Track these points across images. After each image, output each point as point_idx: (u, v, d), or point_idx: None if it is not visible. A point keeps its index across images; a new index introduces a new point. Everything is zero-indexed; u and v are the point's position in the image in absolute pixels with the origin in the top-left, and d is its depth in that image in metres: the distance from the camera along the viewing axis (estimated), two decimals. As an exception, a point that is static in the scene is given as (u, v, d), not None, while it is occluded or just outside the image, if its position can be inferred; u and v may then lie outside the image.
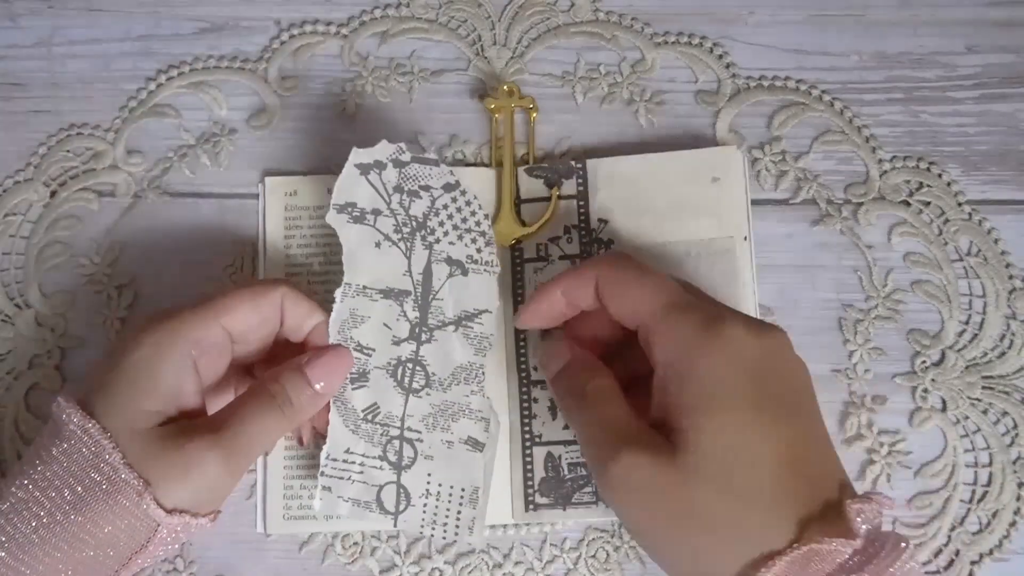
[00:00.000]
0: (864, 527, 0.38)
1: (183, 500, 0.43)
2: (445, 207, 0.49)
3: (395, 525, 0.50)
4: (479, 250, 0.50)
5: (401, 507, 0.50)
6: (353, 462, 0.50)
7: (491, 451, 0.50)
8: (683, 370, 0.40)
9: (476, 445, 0.50)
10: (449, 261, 0.50)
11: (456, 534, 0.50)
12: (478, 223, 0.50)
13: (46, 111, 0.57)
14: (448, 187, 0.49)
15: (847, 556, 0.37)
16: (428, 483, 0.50)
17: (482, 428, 0.50)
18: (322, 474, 0.50)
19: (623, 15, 0.57)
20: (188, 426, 0.44)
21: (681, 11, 0.57)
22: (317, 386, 0.46)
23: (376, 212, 0.50)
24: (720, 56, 0.56)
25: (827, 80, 0.56)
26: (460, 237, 0.50)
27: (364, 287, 0.50)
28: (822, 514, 0.38)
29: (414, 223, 0.50)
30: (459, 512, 0.50)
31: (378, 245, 0.50)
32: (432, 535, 0.51)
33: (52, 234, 0.55)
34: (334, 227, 0.50)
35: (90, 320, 0.54)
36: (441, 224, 0.50)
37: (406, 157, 0.49)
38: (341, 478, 0.50)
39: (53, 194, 0.56)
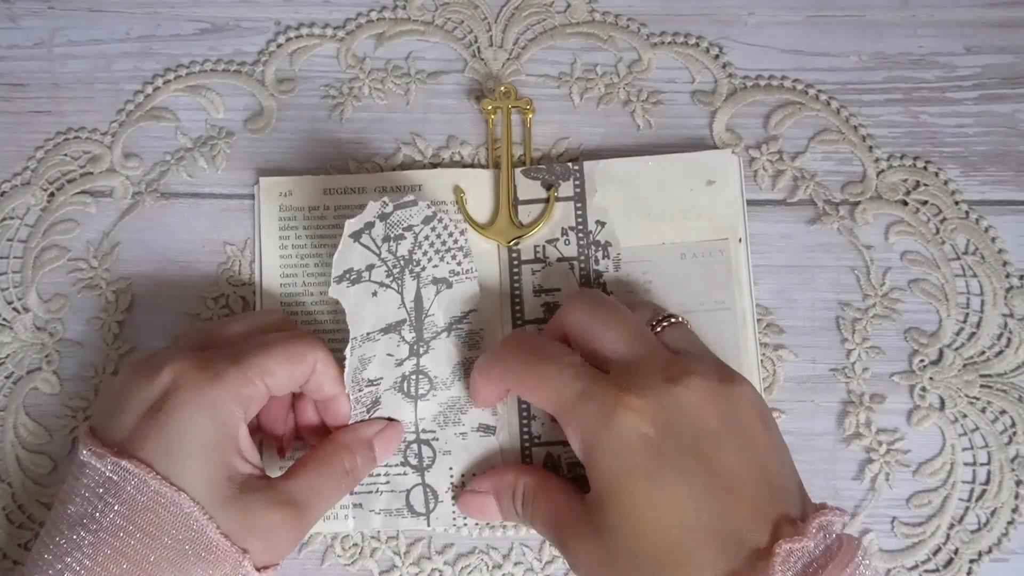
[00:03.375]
0: (793, 568, 0.39)
1: (268, 560, 0.45)
2: (427, 238, 0.51)
3: (428, 525, 0.52)
4: (459, 263, 0.51)
5: (431, 506, 0.52)
6: (378, 475, 0.52)
7: (503, 431, 0.52)
8: (591, 460, 0.43)
9: (488, 429, 0.52)
10: (435, 281, 0.52)
11: (493, 521, 0.52)
12: (455, 240, 0.51)
13: (46, 112, 0.57)
14: (427, 219, 0.50)
15: None
16: (451, 476, 0.52)
17: (490, 412, 0.52)
18: (351, 492, 0.51)
19: (619, 16, 0.57)
20: (268, 493, 0.45)
21: (679, 12, 0.57)
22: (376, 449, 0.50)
23: (370, 267, 0.51)
24: (716, 56, 0.56)
25: (826, 81, 0.56)
26: (442, 258, 0.51)
27: (368, 333, 0.50)
28: (748, 564, 0.39)
29: (402, 262, 0.51)
30: None
31: (375, 294, 0.51)
32: (465, 525, 0.52)
33: (50, 238, 0.55)
34: (337, 297, 0.50)
35: (88, 323, 0.54)
36: (425, 253, 0.51)
37: (389, 209, 0.50)
38: (369, 492, 0.52)
39: (51, 198, 0.56)
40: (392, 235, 0.51)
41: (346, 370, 0.50)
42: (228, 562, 0.42)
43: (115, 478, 0.42)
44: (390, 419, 0.52)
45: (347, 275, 0.50)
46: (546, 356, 0.45)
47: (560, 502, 0.46)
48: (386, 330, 0.51)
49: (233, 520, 0.43)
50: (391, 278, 0.51)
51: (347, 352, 0.50)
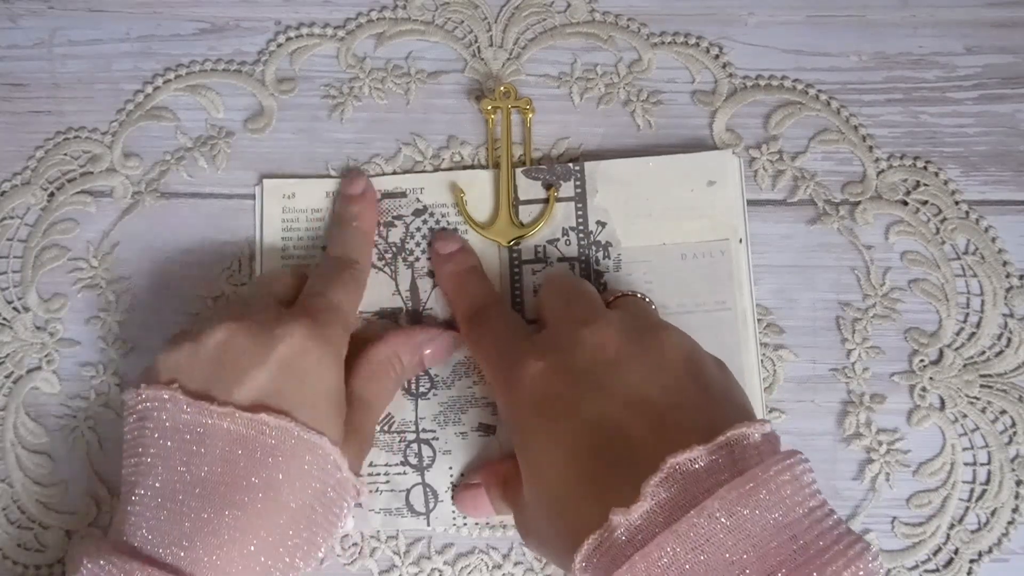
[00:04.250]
0: (665, 491, 0.35)
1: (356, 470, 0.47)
2: (418, 229, 0.54)
3: (428, 524, 0.52)
4: None
5: (431, 506, 0.52)
6: (378, 474, 0.52)
7: (503, 431, 0.52)
8: (501, 414, 0.45)
9: (488, 429, 0.52)
10: (431, 274, 0.54)
11: (487, 517, 0.52)
12: None
13: (46, 112, 0.57)
14: (417, 212, 0.54)
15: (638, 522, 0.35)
16: (451, 476, 0.52)
17: (490, 412, 0.52)
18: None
19: (619, 16, 0.57)
20: (354, 413, 0.48)
21: (679, 12, 0.57)
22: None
23: None
24: (716, 56, 0.56)
25: (826, 81, 0.56)
26: None
27: (360, 313, 0.53)
28: (630, 491, 0.35)
29: (394, 249, 0.54)
30: None
31: None
32: (465, 525, 0.52)
33: (50, 237, 0.55)
34: None
35: (88, 323, 0.54)
36: (418, 244, 0.54)
37: (377, 196, 0.54)
38: (369, 492, 0.52)
39: (51, 197, 0.56)
40: (382, 221, 0.54)
41: None
42: (351, 492, 0.45)
43: (252, 432, 0.42)
44: (446, 327, 0.53)
45: None
46: (499, 321, 0.49)
47: (498, 472, 0.48)
48: (380, 314, 0.53)
49: (347, 449, 0.45)
50: (383, 262, 0.53)
51: None
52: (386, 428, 0.52)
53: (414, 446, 0.52)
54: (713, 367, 0.43)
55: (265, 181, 0.55)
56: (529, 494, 0.42)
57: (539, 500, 0.41)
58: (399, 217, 0.54)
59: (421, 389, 0.53)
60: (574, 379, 0.41)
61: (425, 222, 0.54)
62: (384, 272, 0.53)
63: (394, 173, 0.55)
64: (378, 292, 0.53)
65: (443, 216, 0.54)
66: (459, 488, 0.51)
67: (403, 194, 0.54)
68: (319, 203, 0.54)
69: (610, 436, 0.39)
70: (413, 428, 0.52)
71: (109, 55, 0.58)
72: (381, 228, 0.54)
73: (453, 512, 0.52)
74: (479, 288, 0.52)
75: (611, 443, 0.38)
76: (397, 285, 0.53)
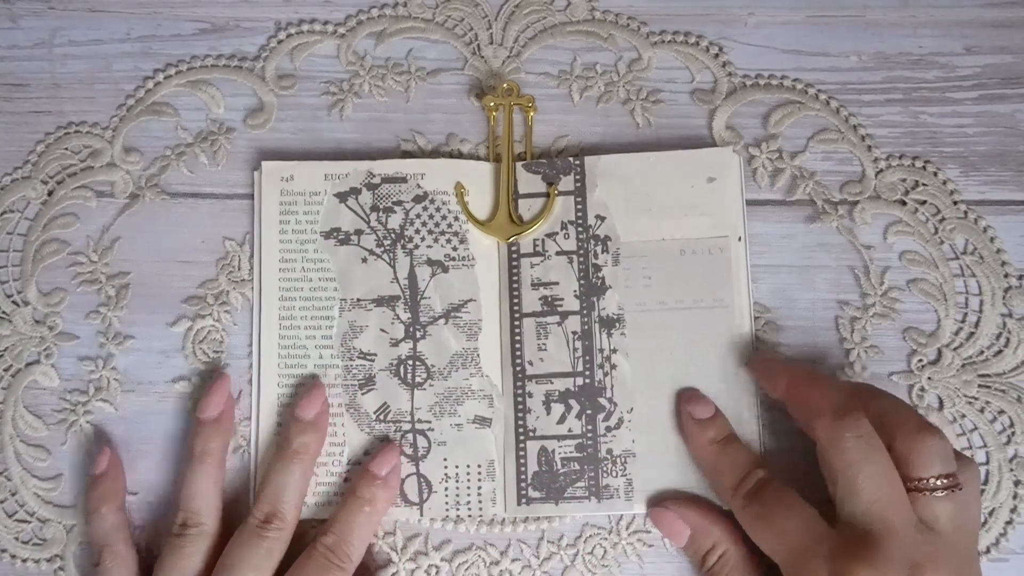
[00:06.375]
0: None
1: None
2: (418, 216, 0.54)
3: (421, 515, 0.52)
4: (455, 248, 0.54)
5: (424, 496, 0.52)
6: None
7: (499, 424, 0.53)
8: None
9: (483, 422, 0.53)
10: (430, 262, 0.54)
11: (480, 509, 0.52)
12: (449, 225, 0.54)
13: (47, 112, 0.57)
14: (418, 199, 0.54)
15: None
16: (446, 468, 0.52)
17: (486, 405, 0.53)
18: (346, 480, 0.52)
19: (620, 14, 0.57)
20: None
21: (679, 11, 0.57)
22: (382, 473, 0.50)
23: (359, 232, 0.54)
24: (716, 55, 0.57)
25: (826, 81, 0.56)
26: (436, 240, 0.54)
27: (358, 300, 0.53)
28: None
29: (393, 235, 0.54)
30: (479, 487, 0.52)
31: (364, 260, 0.54)
32: (458, 516, 0.52)
33: (49, 232, 0.55)
34: (324, 253, 0.54)
35: (87, 318, 0.54)
36: (417, 231, 0.54)
37: (376, 180, 0.54)
38: None
39: (51, 192, 0.56)
40: (381, 206, 0.54)
41: (334, 329, 0.53)
42: None
43: None
44: (390, 443, 0.52)
45: (334, 233, 0.54)
46: (784, 506, 0.45)
47: None
48: (378, 302, 0.53)
49: None
50: (382, 248, 0.54)
51: (334, 311, 0.53)
52: (381, 418, 0.52)
53: (409, 436, 0.52)
54: None
55: (264, 164, 0.55)
56: None
57: None
58: (399, 203, 0.54)
59: (417, 379, 0.53)
60: None
61: (425, 209, 0.54)
62: (382, 259, 0.53)
63: (395, 157, 0.56)
64: (376, 280, 0.53)
65: (444, 204, 0.54)
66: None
67: (403, 179, 0.54)
68: (317, 186, 0.54)
69: None
70: (408, 418, 0.52)
71: (109, 55, 0.58)
72: (380, 214, 0.54)
73: (446, 503, 0.52)
74: (745, 460, 0.49)
75: None
76: (395, 273, 0.53)
